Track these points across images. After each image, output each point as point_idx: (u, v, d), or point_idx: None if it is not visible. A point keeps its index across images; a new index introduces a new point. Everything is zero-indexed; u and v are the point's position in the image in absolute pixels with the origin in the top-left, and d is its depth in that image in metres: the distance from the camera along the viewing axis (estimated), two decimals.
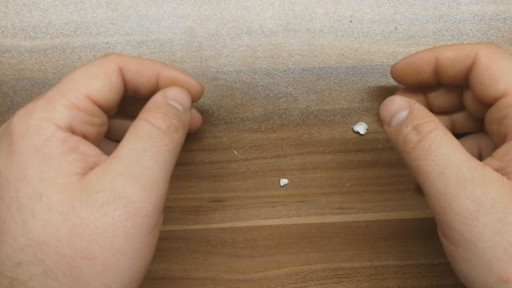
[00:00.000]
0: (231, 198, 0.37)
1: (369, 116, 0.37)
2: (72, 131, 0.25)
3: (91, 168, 0.25)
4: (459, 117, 0.33)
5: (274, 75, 0.36)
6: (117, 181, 0.24)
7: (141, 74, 0.29)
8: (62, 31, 0.36)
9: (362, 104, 0.37)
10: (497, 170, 0.25)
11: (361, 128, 0.36)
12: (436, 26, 0.37)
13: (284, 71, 0.36)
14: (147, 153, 0.25)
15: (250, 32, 0.36)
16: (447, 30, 0.37)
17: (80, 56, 0.36)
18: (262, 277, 0.36)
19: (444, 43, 0.37)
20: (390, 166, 0.37)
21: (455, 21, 0.37)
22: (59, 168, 0.24)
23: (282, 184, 0.36)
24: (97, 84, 0.27)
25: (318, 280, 0.36)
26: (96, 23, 0.36)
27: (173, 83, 0.30)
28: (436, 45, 0.37)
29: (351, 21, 0.36)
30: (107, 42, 0.36)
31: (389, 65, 0.36)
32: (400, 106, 0.28)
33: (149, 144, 0.25)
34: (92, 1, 0.36)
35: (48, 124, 0.25)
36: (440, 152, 0.25)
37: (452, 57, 0.29)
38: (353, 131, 0.37)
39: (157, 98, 0.28)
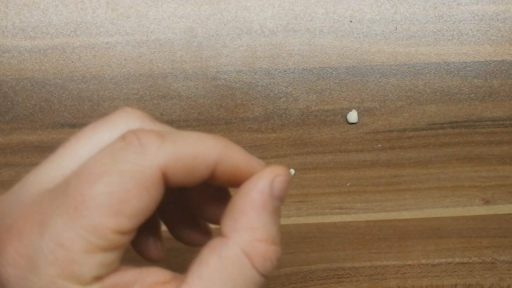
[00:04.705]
0: None
1: (369, 116, 0.37)
2: (99, 278, 0.18)
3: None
4: None
5: (274, 75, 0.36)
6: None
7: (192, 171, 0.19)
8: (62, 31, 0.36)
9: (362, 104, 0.37)
10: None
11: (353, 116, 0.36)
12: (436, 26, 0.37)
13: (284, 71, 0.36)
14: None
15: (250, 32, 0.36)
16: (447, 30, 0.37)
17: (80, 56, 0.36)
18: None
19: (444, 43, 0.37)
20: (390, 166, 0.37)
21: (455, 21, 0.37)
22: None
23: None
24: (129, 208, 0.17)
25: (318, 280, 0.36)
26: (96, 23, 0.36)
27: (232, 173, 0.20)
28: (436, 45, 0.37)
29: (351, 21, 0.36)
30: (107, 42, 0.36)
31: (389, 65, 0.36)
32: None
33: None
34: (92, 1, 0.36)
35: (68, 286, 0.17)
36: None
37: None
38: (348, 122, 0.37)
39: (261, 210, 0.19)
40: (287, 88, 0.36)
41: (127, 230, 0.17)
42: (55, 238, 0.16)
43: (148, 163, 0.17)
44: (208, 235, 0.25)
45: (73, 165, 0.18)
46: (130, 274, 0.18)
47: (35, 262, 0.16)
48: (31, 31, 0.36)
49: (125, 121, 0.19)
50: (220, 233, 0.19)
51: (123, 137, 0.18)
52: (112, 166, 0.17)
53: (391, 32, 0.37)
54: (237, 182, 0.20)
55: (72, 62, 0.36)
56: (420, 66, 0.37)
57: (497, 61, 0.37)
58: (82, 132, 0.19)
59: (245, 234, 0.18)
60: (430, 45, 0.37)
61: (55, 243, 0.16)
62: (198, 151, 0.18)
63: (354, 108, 0.37)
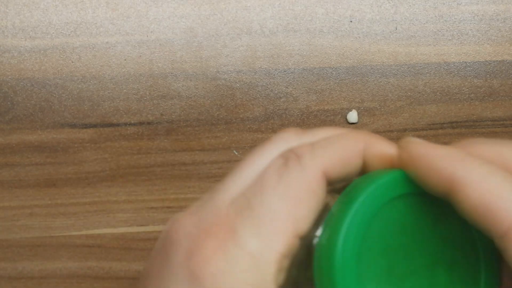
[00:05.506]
0: None
1: (369, 116, 0.37)
2: None
3: None
4: None
5: (274, 75, 0.36)
6: None
7: (346, 162, 0.21)
8: (62, 31, 0.36)
9: (362, 104, 0.37)
10: None
11: (353, 116, 0.36)
12: (436, 26, 0.36)
13: (284, 71, 0.36)
14: None
15: (250, 32, 0.36)
16: (447, 30, 0.37)
17: (80, 56, 0.36)
18: None
19: (444, 43, 0.37)
20: None
21: (455, 21, 0.37)
22: None
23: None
24: (302, 211, 0.20)
25: None
26: (96, 23, 0.36)
27: (379, 159, 0.22)
28: (436, 45, 0.37)
29: (351, 21, 0.36)
30: (107, 42, 0.36)
31: (389, 65, 0.36)
32: None
33: None
34: (92, 1, 0.36)
35: None
36: None
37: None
38: (348, 122, 0.37)
39: None
40: (287, 88, 0.36)
41: (303, 232, 0.20)
42: (246, 247, 0.19)
43: (307, 169, 0.20)
44: None
45: (249, 180, 0.21)
46: None
47: (230, 267, 0.19)
48: (31, 31, 0.36)
49: (285, 139, 0.22)
50: None
51: (282, 155, 0.21)
52: (279, 179, 0.20)
53: (391, 32, 0.37)
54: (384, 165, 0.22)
55: (72, 62, 0.36)
56: (420, 66, 0.37)
57: (497, 61, 0.37)
58: (253, 152, 0.23)
59: None
60: (430, 45, 0.37)
61: (246, 252, 0.19)
62: (346, 144, 0.21)
63: (354, 108, 0.37)
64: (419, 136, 0.37)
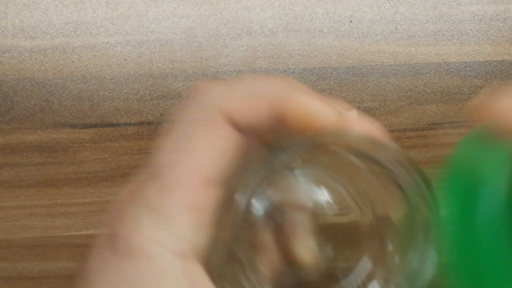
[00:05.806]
0: None
1: (369, 116, 0.37)
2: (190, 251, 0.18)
3: None
4: None
5: (274, 75, 0.36)
6: None
7: (252, 107, 0.18)
8: (62, 31, 0.36)
9: (362, 104, 0.37)
10: None
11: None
12: (436, 26, 0.37)
13: (284, 71, 0.36)
14: None
15: (250, 32, 0.36)
16: (447, 30, 0.37)
17: (80, 56, 0.36)
18: None
19: (444, 43, 0.37)
20: None
21: (455, 21, 0.37)
22: None
23: None
24: (203, 159, 0.18)
25: None
26: (96, 23, 0.36)
27: (301, 118, 0.19)
28: (436, 45, 0.37)
29: (351, 21, 0.36)
30: (107, 42, 0.36)
31: (389, 65, 0.36)
32: None
33: None
34: (92, 1, 0.36)
35: (163, 252, 0.17)
36: None
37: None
38: None
39: None
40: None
41: (213, 179, 0.17)
42: (150, 204, 0.17)
43: (203, 108, 0.18)
44: None
45: None
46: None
47: (137, 225, 0.17)
48: (31, 31, 0.36)
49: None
50: None
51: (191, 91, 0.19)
52: (176, 123, 0.18)
53: (391, 32, 0.37)
54: (308, 127, 0.19)
55: (72, 62, 0.36)
56: (420, 66, 0.37)
57: (497, 61, 0.37)
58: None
59: None
60: (430, 45, 0.37)
61: (151, 208, 0.17)
62: (255, 87, 0.19)
63: (354, 108, 0.37)
64: (419, 136, 0.37)
